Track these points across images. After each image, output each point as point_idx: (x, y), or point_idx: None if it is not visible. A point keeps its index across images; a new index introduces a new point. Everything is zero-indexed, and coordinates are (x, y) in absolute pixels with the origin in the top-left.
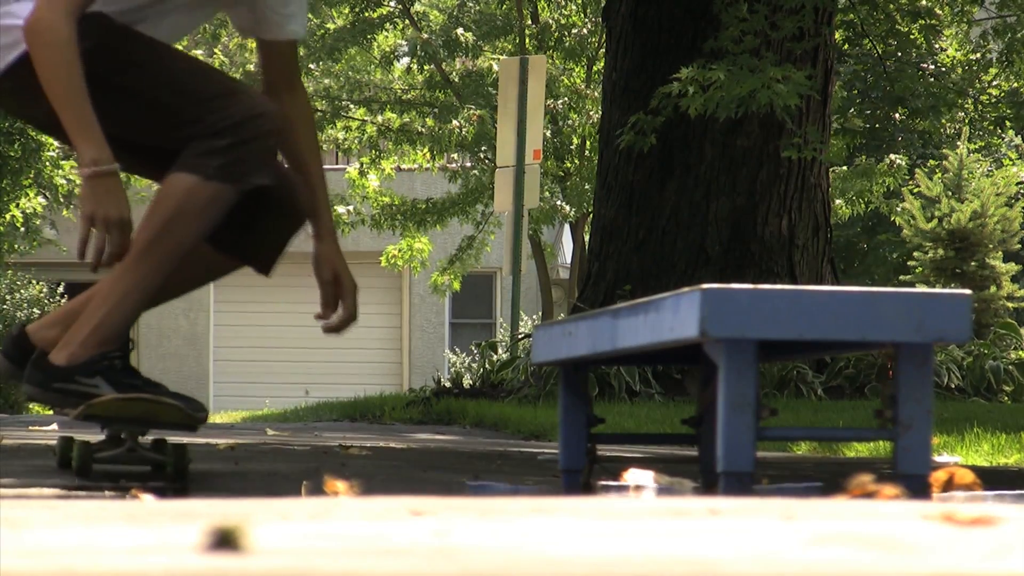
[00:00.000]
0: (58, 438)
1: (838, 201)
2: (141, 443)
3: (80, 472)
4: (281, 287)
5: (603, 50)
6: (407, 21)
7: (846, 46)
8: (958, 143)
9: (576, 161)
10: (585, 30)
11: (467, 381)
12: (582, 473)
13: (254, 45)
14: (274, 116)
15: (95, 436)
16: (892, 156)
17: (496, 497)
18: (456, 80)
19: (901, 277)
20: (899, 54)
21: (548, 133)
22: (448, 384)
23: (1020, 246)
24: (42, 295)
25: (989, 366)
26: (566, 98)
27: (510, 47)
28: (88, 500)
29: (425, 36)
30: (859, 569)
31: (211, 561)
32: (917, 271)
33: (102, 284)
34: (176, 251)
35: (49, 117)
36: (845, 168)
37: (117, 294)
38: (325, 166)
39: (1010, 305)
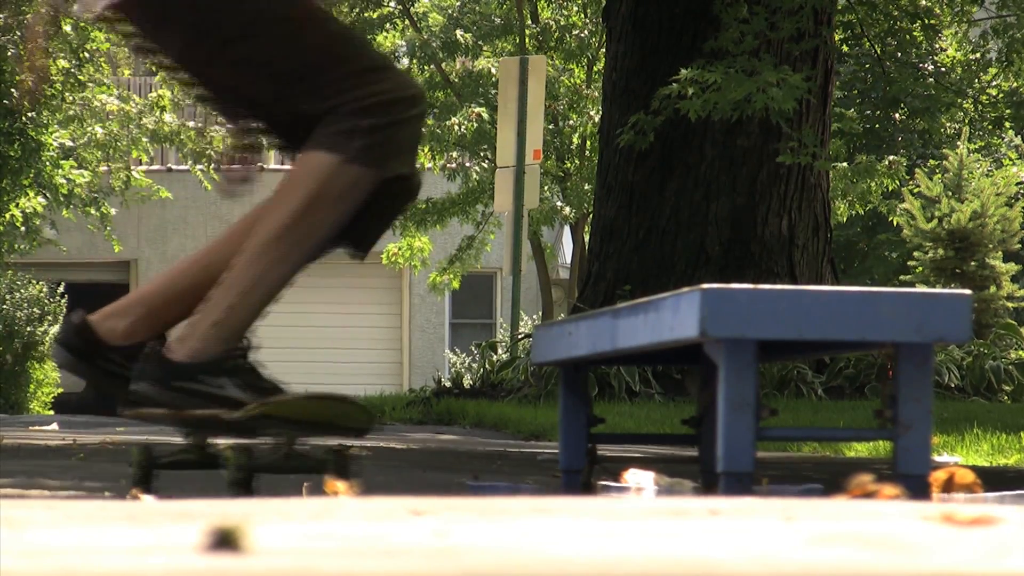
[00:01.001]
0: (136, 446)
1: (837, 202)
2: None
3: (237, 484)
4: None
5: (603, 50)
6: (407, 21)
7: (845, 47)
8: (958, 143)
9: (576, 161)
10: (585, 32)
11: (467, 381)
12: (582, 473)
13: None
14: (423, 99)
15: (153, 436)
16: (891, 157)
17: (496, 497)
18: (456, 80)
19: (901, 277)
20: (898, 54)
21: (549, 135)
22: (448, 384)
23: (1020, 246)
24: (42, 295)
25: (989, 366)
26: (566, 99)
27: (510, 47)
28: (88, 500)
29: (425, 37)
30: (859, 569)
31: (211, 561)
32: (917, 271)
33: (215, 270)
34: (310, 240)
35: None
36: (845, 165)
37: (243, 284)
38: None
39: (1010, 305)
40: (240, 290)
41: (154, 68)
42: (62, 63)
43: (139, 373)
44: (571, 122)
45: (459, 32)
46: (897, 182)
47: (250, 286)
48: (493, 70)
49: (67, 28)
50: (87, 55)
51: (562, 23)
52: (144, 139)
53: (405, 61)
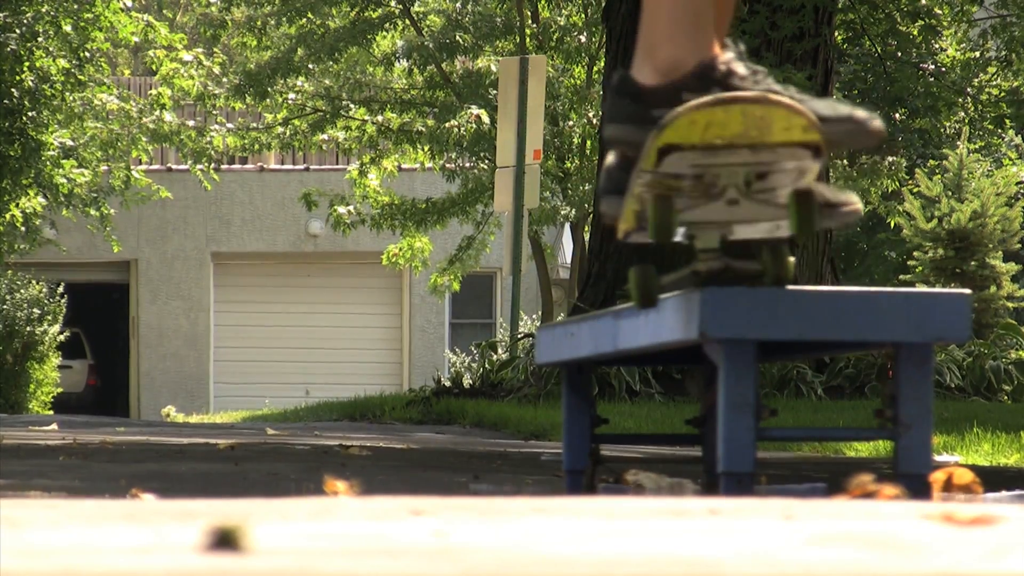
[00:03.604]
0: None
1: None
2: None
3: (645, 301)
4: (281, 287)
5: (603, 50)
6: (407, 21)
7: (846, 46)
8: (958, 143)
9: (576, 161)
10: (583, 36)
11: (467, 381)
12: (585, 474)
13: (254, 43)
14: None
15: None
16: (891, 157)
17: (496, 497)
18: (456, 80)
19: (901, 277)
20: (899, 54)
21: (549, 135)
22: (448, 384)
23: (1020, 246)
24: (42, 295)
25: (989, 366)
26: (566, 99)
27: (510, 47)
28: (88, 500)
29: (425, 37)
30: (859, 569)
31: (211, 561)
32: (917, 271)
33: None
34: None
35: None
36: (845, 163)
37: None
38: (325, 165)
39: (1010, 305)
40: None
41: (153, 67)
42: (62, 63)
43: (610, 111)
44: (571, 122)
45: (459, 33)
46: (897, 183)
47: None
48: (493, 69)
49: (67, 28)
50: (87, 55)
51: (562, 23)
52: (143, 139)
53: (406, 62)
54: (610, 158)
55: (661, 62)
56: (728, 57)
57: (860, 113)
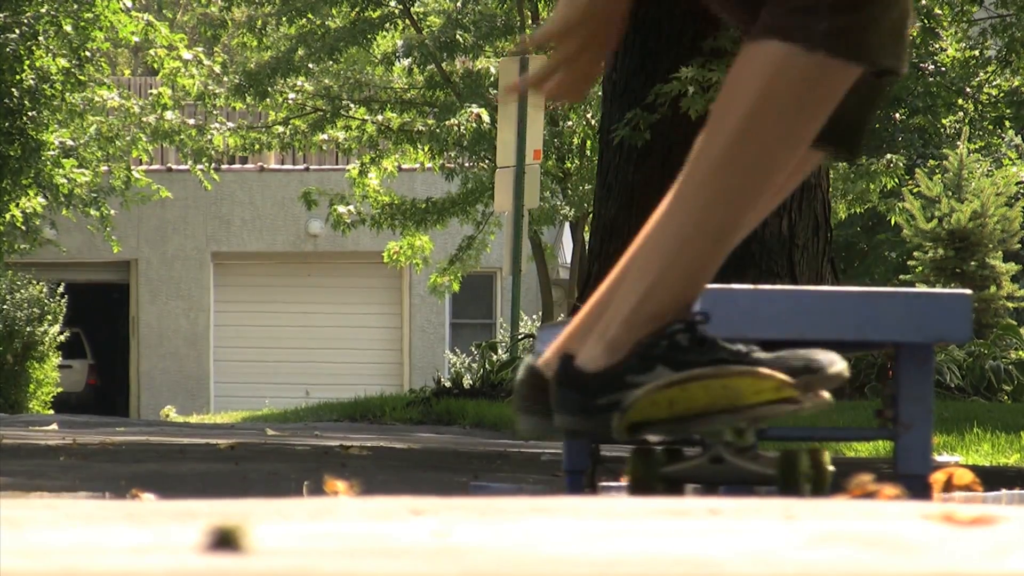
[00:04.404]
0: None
1: (837, 202)
2: (739, 446)
3: (639, 491)
4: (281, 287)
5: None
6: (407, 21)
7: None
8: (958, 143)
9: (576, 161)
10: None
11: (467, 381)
12: (585, 474)
13: (254, 43)
14: None
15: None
16: (890, 156)
17: (496, 497)
18: (456, 80)
19: (901, 277)
20: None
21: (549, 135)
22: (448, 384)
23: (1020, 246)
24: (42, 295)
25: (989, 366)
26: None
27: (510, 47)
28: (88, 500)
29: (425, 37)
30: (859, 569)
31: (211, 561)
32: (917, 271)
33: (653, 221)
34: (764, 159)
35: None
36: (845, 165)
37: (676, 234)
38: (325, 165)
39: (1010, 305)
40: (673, 245)
41: (155, 66)
42: (62, 63)
43: (557, 402)
44: (571, 122)
45: (459, 32)
46: (895, 180)
47: (685, 236)
48: (493, 70)
49: (67, 28)
50: (87, 55)
51: None
52: (143, 138)
53: (406, 61)
54: (521, 376)
55: (608, 345)
56: (671, 329)
57: (817, 360)
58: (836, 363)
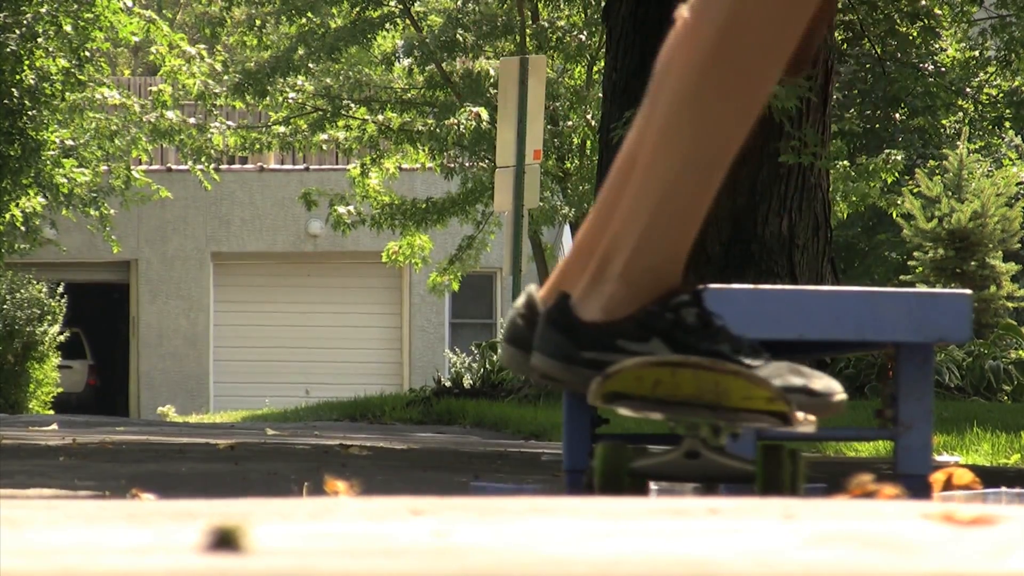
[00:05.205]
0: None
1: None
2: (714, 442)
3: (607, 487)
4: (281, 287)
5: (603, 50)
6: (407, 21)
7: (846, 46)
8: (958, 143)
9: (576, 161)
10: (583, 36)
11: (467, 381)
12: (585, 474)
13: (254, 43)
14: None
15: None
16: (888, 151)
17: (496, 497)
18: (456, 80)
19: (901, 277)
20: (898, 54)
21: (549, 135)
22: (448, 384)
23: (1020, 246)
24: (42, 295)
25: (989, 366)
26: (566, 100)
27: (510, 47)
28: (88, 500)
29: (424, 37)
30: (859, 569)
31: (211, 561)
32: (917, 271)
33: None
34: (753, 73)
35: None
36: (846, 164)
37: (662, 178)
38: (325, 165)
39: (1010, 305)
40: (659, 190)
41: (157, 63)
42: (62, 63)
43: (538, 341)
44: (571, 122)
45: (459, 32)
46: (895, 175)
47: (671, 181)
48: (492, 71)
49: (67, 28)
50: (87, 55)
51: (561, 23)
52: (143, 137)
53: (407, 61)
54: (520, 302)
55: (608, 299)
56: (679, 300)
57: (818, 384)
58: (836, 393)
